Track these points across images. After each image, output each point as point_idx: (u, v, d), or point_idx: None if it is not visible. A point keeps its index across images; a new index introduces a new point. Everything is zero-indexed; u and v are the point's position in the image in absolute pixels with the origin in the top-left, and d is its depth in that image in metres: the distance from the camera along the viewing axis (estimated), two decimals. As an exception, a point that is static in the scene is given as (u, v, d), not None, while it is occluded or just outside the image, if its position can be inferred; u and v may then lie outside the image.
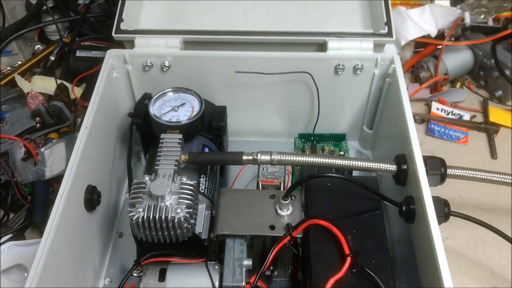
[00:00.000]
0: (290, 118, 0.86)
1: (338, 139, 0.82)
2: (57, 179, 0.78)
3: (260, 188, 0.72)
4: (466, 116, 0.94)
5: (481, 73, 0.98)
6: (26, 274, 0.68)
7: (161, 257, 0.62)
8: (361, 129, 0.86)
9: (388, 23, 0.77)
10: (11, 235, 0.75)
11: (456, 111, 0.94)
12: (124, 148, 0.79)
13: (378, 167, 0.65)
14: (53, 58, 1.00)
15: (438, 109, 0.93)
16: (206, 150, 0.73)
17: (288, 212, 0.63)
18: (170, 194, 0.59)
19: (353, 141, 0.89)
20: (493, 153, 0.88)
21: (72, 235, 0.61)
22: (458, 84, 0.99)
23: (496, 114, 0.93)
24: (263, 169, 0.73)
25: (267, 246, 0.63)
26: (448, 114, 0.93)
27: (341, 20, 0.81)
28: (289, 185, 0.76)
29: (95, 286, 0.69)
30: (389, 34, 0.77)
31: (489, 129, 0.91)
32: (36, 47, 1.06)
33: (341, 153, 0.80)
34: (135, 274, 0.63)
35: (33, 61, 1.00)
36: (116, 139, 0.78)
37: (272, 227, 0.61)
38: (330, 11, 0.82)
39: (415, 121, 0.94)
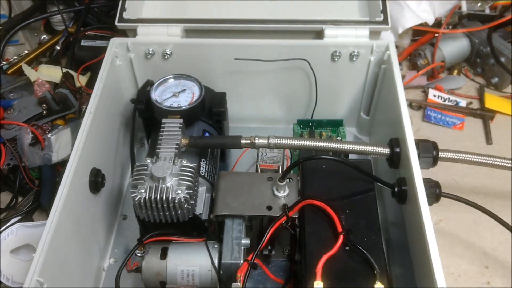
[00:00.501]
0: (289, 104, 0.88)
1: (335, 125, 0.85)
2: (63, 164, 0.81)
3: (259, 172, 0.74)
4: (463, 103, 0.95)
5: (478, 60, 0.99)
6: (34, 254, 0.70)
7: (162, 236, 0.65)
8: (358, 115, 0.88)
9: (384, 10, 0.79)
10: (19, 217, 0.77)
11: (452, 97, 0.95)
12: (128, 133, 0.82)
13: (372, 150, 0.68)
14: (58, 48, 1.03)
15: (435, 95, 0.95)
16: (207, 135, 0.75)
17: (284, 194, 0.65)
18: (171, 176, 0.62)
19: (350, 127, 0.91)
20: (488, 139, 0.90)
21: (77, 215, 0.64)
22: (455, 72, 1.01)
23: (492, 100, 0.95)
24: (262, 153, 0.75)
25: (265, 226, 0.65)
26: (444, 100, 0.95)
27: (338, 8, 0.83)
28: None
29: (100, 266, 0.72)
30: (385, 21, 0.79)
31: (485, 115, 0.93)
32: (42, 37, 1.09)
33: (338, 138, 0.82)
34: (138, 254, 0.66)
35: (39, 51, 1.02)
36: (120, 125, 0.80)
37: (269, 208, 0.64)
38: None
39: (412, 107, 0.96)
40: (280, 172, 0.73)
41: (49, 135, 0.81)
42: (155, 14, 0.84)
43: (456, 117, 0.93)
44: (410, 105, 0.96)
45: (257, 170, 0.74)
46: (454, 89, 0.98)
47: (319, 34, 0.79)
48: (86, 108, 0.70)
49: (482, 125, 0.93)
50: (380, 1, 0.80)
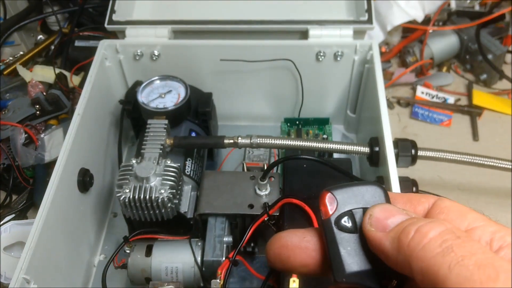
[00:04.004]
0: (276, 103, 0.89)
1: (322, 123, 0.86)
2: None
3: (245, 170, 0.76)
4: (451, 100, 0.96)
5: (467, 57, 1.00)
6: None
7: (148, 234, 0.67)
8: (345, 113, 0.90)
9: (369, 10, 0.80)
10: (13, 215, 0.80)
11: (441, 94, 0.96)
12: (118, 132, 0.84)
13: (353, 149, 0.69)
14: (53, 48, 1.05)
15: (422, 92, 0.96)
16: (193, 134, 0.77)
17: (266, 192, 0.67)
18: (155, 176, 0.64)
19: (338, 125, 0.92)
20: (475, 135, 0.91)
21: (66, 214, 0.66)
22: (445, 68, 1.02)
23: (480, 97, 0.95)
24: (249, 152, 0.77)
25: (247, 225, 0.67)
26: (432, 97, 0.96)
27: (323, 8, 0.84)
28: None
29: (90, 262, 0.74)
30: (369, 21, 0.80)
31: (472, 112, 0.94)
32: (39, 37, 1.11)
33: (325, 136, 0.84)
34: (127, 251, 0.68)
35: (34, 51, 1.04)
36: (110, 124, 0.83)
37: (251, 206, 0.66)
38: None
39: (400, 105, 0.97)
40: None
41: (42, 135, 0.83)
42: (145, 16, 0.86)
43: (444, 114, 0.94)
44: (398, 102, 0.97)
45: (243, 168, 0.76)
46: (442, 86, 0.99)
47: (304, 34, 0.81)
48: (78, 107, 0.72)
49: (469, 122, 0.94)
50: (365, 1, 0.81)
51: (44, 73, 0.95)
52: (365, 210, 0.31)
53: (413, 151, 0.69)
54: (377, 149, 0.68)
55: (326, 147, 0.68)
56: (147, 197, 0.63)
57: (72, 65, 0.99)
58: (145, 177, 0.63)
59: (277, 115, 0.90)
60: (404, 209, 0.30)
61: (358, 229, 0.30)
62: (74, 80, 0.96)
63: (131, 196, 0.63)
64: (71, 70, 0.97)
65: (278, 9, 0.85)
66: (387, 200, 0.31)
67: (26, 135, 0.84)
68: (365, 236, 0.30)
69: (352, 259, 0.30)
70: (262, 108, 0.90)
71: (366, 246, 0.30)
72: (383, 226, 0.29)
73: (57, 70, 0.95)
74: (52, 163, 0.84)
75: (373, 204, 0.30)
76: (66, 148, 0.67)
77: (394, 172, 0.63)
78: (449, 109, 0.94)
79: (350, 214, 0.31)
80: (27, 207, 0.82)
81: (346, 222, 0.31)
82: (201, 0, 0.86)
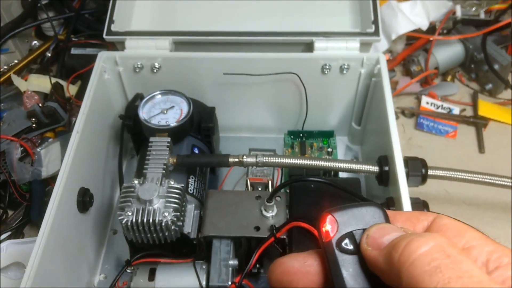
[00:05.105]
0: (280, 115, 0.87)
1: (326, 135, 0.84)
2: (54, 178, 0.81)
3: (249, 186, 0.74)
4: (456, 110, 0.95)
5: (472, 66, 0.98)
6: (23, 271, 0.71)
7: (150, 257, 0.65)
8: (349, 125, 0.88)
9: (375, 21, 0.78)
10: (10, 232, 0.78)
11: (446, 104, 0.95)
12: (118, 146, 0.82)
13: (361, 168, 0.67)
14: (49, 55, 1.02)
15: (427, 103, 0.94)
16: (196, 150, 0.75)
17: (273, 213, 0.65)
18: (158, 198, 0.62)
19: (342, 136, 0.90)
20: (481, 147, 0.89)
21: (66, 235, 0.64)
22: (449, 77, 1.00)
23: (486, 107, 0.94)
24: (252, 167, 0.75)
25: (253, 246, 0.65)
26: (437, 108, 0.94)
27: (328, 20, 0.82)
28: (278, 182, 0.79)
29: (90, 282, 0.72)
30: (376, 33, 0.77)
31: (478, 123, 0.92)
32: (33, 43, 1.08)
33: (329, 149, 0.82)
34: (128, 271, 0.66)
35: (29, 58, 1.01)
36: (109, 139, 0.80)
37: (257, 228, 0.64)
38: (318, 11, 0.83)
39: (405, 115, 0.95)
40: (270, 185, 0.73)
41: (38, 149, 0.81)
42: (144, 26, 0.83)
43: (449, 125, 0.92)
44: (402, 112, 0.96)
45: (246, 184, 0.74)
46: (447, 95, 0.97)
47: (309, 46, 0.78)
48: (75, 121, 0.69)
49: (475, 133, 0.93)
50: (372, 12, 0.79)
51: (40, 83, 0.92)
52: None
53: (423, 171, 0.67)
54: (386, 168, 0.66)
55: (335, 166, 0.66)
56: (150, 220, 0.61)
57: (68, 73, 0.97)
58: (148, 200, 0.61)
59: (279, 127, 0.88)
60: (403, 227, 0.30)
61: (358, 250, 0.31)
62: (71, 89, 0.93)
63: (133, 220, 0.61)
64: (67, 78, 0.95)
65: (282, 20, 0.82)
66: (387, 220, 0.31)
67: (22, 148, 0.82)
68: (363, 255, 0.30)
69: (354, 281, 0.30)
70: (264, 120, 0.88)
71: (367, 266, 0.30)
72: (378, 245, 0.29)
73: (53, 80, 0.92)
74: (50, 178, 0.81)
75: (372, 224, 0.31)
76: (66, 167, 0.64)
77: (405, 193, 0.61)
78: (454, 120, 0.93)
79: (350, 235, 0.31)
80: (23, 224, 0.80)
81: (347, 244, 0.31)
82: (203, 10, 0.84)
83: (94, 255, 0.74)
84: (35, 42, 1.08)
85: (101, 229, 0.76)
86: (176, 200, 0.62)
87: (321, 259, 0.32)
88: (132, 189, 0.63)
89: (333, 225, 0.31)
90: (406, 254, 0.26)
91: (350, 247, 0.31)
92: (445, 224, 0.30)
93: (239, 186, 0.84)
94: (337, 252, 0.31)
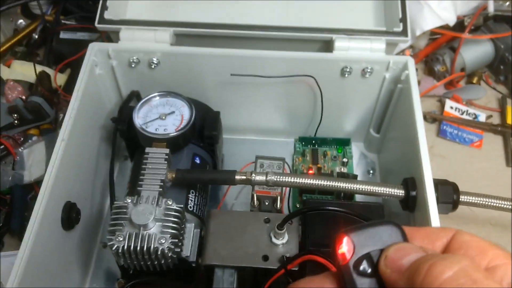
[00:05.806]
0: (291, 118, 0.79)
1: (341, 143, 0.76)
2: (39, 183, 0.73)
3: (255, 200, 0.66)
4: (482, 116, 0.86)
5: (501, 67, 0.90)
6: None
7: (144, 286, 0.58)
8: (367, 132, 0.80)
9: (404, 19, 0.69)
10: (-13, 242, 0.70)
11: (471, 110, 0.86)
12: (110, 150, 0.73)
13: (384, 191, 0.59)
14: (36, 36, 0.92)
15: (452, 107, 0.86)
16: (197, 159, 0.66)
17: (283, 241, 0.57)
18: (154, 221, 0.54)
19: (358, 142, 0.82)
20: (509, 160, 0.82)
21: (49, 255, 0.56)
22: (475, 79, 0.91)
23: (515, 115, 0.86)
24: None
25: (259, 277, 0.58)
26: (462, 113, 0.86)
27: (350, 16, 0.73)
28: (287, 195, 0.71)
29: (76, 304, 0.65)
30: (404, 33, 0.68)
31: (506, 132, 0.84)
32: (19, 22, 0.98)
33: (345, 160, 0.74)
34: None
35: (13, 40, 0.92)
36: (100, 141, 0.72)
37: (266, 258, 0.56)
38: (339, 5, 0.73)
39: (426, 120, 0.87)
40: (278, 201, 0.65)
41: (21, 149, 0.72)
42: (142, 15, 0.74)
43: (474, 133, 0.84)
44: (424, 117, 0.87)
45: (252, 199, 0.66)
46: (472, 99, 0.89)
47: (328, 45, 0.69)
48: (63, 117, 0.61)
49: (502, 143, 0.84)
50: (400, 8, 0.69)
51: (24, 71, 0.83)
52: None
53: (454, 197, 0.59)
54: (414, 193, 0.58)
55: (355, 188, 0.58)
56: (145, 247, 0.53)
57: (56, 60, 0.87)
58: (142, 225, 0.53)
59: (289, 130, 0.80)
60: (421, 246, 0.29)
61: (377, 272, 0.30)
62: (58, 79, 0.84)
63: (125, 246, 0.53)
64: (55, 65, 0.86)
65: (298, 14, 0.73)
66: (405, 238, 0.31)
67: (2, 147, 0.73)
68: (382, 278, 0.29)
69: None
70: (273, 123, 0.80)
71: None
72: (398, 267, 0.28)
73: (39, 68, 0.83)
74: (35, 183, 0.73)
75: (390, 244, 0.30)
76: (49, 182, 0.56)
77: (436, 222, 0.54)
78: (480, 128, 0.85)
79: (368, 257, 0.30)
80: (3, 233, 0.72)
81: (365, 267, 0.30)
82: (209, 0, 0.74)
83: (81, 272, 0.66)
84: (21, 21, 0.98)
85: (89, 243, 0.69)
86: (175, 225, 0.54)
87: (338, 282, 0.31)
88: (124, 210, 0.55)
89: (349, 247, 0.30)
90: (429, 280, 0.25)
91: (369, 270, 0.30)
92: (466, 241, 0.29)
93: (242, 196, 0.76)
94: (354, 275, 0.30)
